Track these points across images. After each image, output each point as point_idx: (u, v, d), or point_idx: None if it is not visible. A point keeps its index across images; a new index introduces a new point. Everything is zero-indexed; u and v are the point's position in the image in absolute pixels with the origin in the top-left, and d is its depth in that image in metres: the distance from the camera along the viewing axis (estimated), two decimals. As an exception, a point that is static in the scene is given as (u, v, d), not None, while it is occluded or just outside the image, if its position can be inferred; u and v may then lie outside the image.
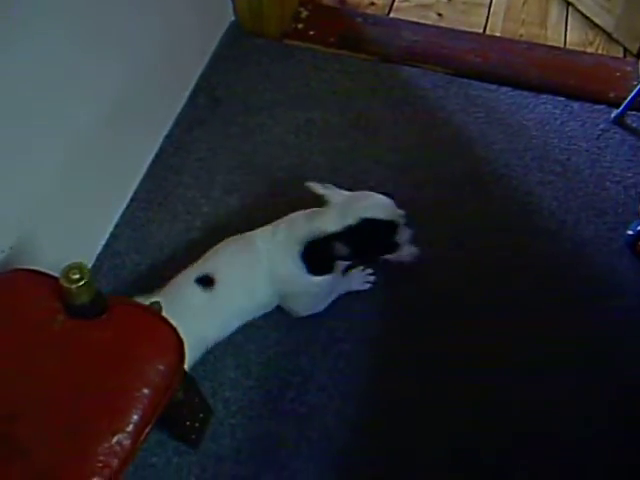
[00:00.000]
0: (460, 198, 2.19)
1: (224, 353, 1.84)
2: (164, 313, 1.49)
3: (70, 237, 1.83)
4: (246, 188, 2.19)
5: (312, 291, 1.85)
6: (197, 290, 1.73)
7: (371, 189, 1.84)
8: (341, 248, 1.70)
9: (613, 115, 2.45)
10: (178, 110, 2.33)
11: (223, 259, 1.81)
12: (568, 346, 1.91)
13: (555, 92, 2.51)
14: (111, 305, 1.37)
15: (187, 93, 2.37)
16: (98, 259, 1.99)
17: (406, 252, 1.83)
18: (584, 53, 2.66)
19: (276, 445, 1.75)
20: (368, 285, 2.00)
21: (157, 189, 2.16)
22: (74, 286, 1.28)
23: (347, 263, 1.92)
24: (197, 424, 1.72)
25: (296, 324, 1.92)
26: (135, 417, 1.29)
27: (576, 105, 2.49)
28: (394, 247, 1.80)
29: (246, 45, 2.57)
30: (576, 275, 2.05)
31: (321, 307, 1.94)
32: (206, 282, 1.74)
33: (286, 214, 1.87)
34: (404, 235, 1.80)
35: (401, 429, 1.78)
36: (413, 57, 2.57)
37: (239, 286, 1.78)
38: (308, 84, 2.48)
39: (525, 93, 2.52)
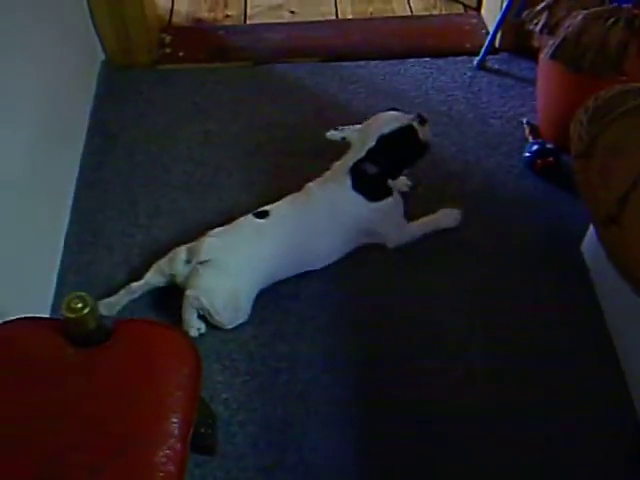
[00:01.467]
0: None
1: (207, 360, 1.83)
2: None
3: (20, 296, 1.75)
4: (169, 206, 2.19)
5: (384, 216, 2.00)
6: (252, 219, 1.93)
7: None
8: (370, 167, 1.93)
9: (475, 62, 2.62)
10: (80, 154, 2.30)
11: (282, 202, 1.99)
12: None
13: (418, 55, 2.66)
14: (114, 327, 1.35)
15: (83, 136, 2.34)
16: (53, 309, 1.93)
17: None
18: (432, 16, 2.83)
19: (287, 426, 1.76)
20: (456, 222, 2.09)
21: (85, 230, 2.12)
22: (79, 315, 1.27)
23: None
24: (209, 430, 1.71)
25: (267, 317, 1.94)
26: (177, 420, 1.28)
27: (440, 62, 2.65)
28: (421, 147, 2.01)
29: (123, 79, 2.57)
30: (495, 202, 2.17)
31: (410, 235, 2.05)
32: (262, 215, 1.93)
33: (215, 221, 2.00)
34: (424, 132, 2.00)
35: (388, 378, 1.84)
36: (281, 54, 2.65)
37: (295, 220, 1.95)
38: (193, 101, 2.51)
39: (392, 62, 2.65)
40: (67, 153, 2.24)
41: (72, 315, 1.27)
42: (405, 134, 1.96)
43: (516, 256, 2.06)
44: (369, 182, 1.96)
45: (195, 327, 1.86)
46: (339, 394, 1.81)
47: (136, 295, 1.92)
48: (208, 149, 2.35)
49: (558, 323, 1.94)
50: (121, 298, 1.91)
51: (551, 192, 2.24)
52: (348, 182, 1.96)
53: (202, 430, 1.69)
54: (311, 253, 1.98)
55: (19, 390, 1.28)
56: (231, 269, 1.86)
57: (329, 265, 2.03)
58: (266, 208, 1.95)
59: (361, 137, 1.98)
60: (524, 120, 2.41)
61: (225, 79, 2.58)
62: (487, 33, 2.63)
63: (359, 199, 1.96)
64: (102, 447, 1.22)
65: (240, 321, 1.89)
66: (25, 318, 1.43)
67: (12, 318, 1.38)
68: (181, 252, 1.90)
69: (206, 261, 1.84)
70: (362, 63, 2.64)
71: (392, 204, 2.01)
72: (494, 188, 2.23)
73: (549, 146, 2.24)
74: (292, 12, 2.85)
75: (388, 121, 1.97)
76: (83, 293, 1.28)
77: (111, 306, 1.89)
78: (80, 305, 1.26)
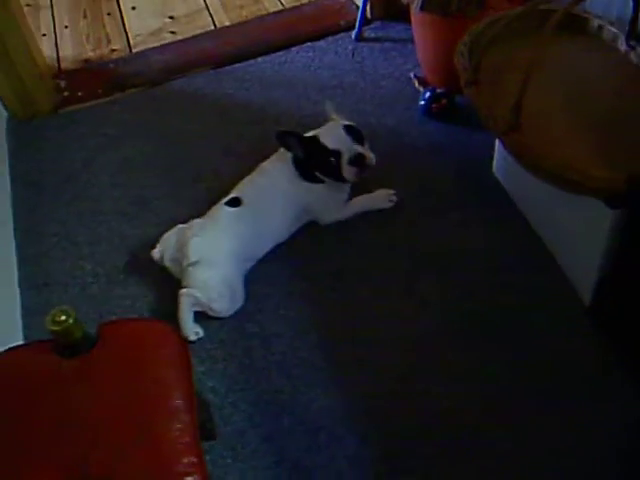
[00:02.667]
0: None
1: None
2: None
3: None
4: (108, 233, 2.25)
5: (316, 196, 2.12)
6: (226, 208, 2.05)
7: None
8: (300, 152, 2.09)
9: (353, 36, 2.77)
10: (10, 206, 2.33)
11: (244, 186, 2.13)
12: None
13: (300, 42, 2.78)
14: (99, 332, 1.41)
15: (9, 190, 2.37)
16: (26, 351, 1.96)
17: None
18: (303, 5, 2.97)
19: (276, 395, 1.84)
20: (391, 204, 2.17)
21: (36, 275, 2.16)
22: (65, 326, 1.33)
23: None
24: (205, 416, 1.78)
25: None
26: (179, 395, 1.36)
27: (321, 43, 2.79)
28: (331, 169, 2.08)
29: (30, 129, 2.61)
30: (405, 153, 2.31)
31: (341, 215, 2.16)
32: (233, 202, 2.06)
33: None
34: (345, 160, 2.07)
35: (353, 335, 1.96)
36: (174, 71, 2.74)
37: (262, 201, 2.08)
38: (103, 133, 2.57)
39: (278, 54, 2.78)
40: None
41: (58, 328, 1.33)
42: (326, 154, 2.07)
43: (439, 195, 2.19)
44: (301, 165, 2.12)
45: (193, 331, 1.94)
46: (315, 357, 1.91)
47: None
48: (129, 173, 2.41)
49: (492, 238, 2.10)
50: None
51: (452, 131, 2.40)
52: (290, 161, 2.12)
53: (200, 418, 1.77)
54: (280, 227, 2.12)
55: (27, 409, 1.33)
56: (219, 261, 1.97)
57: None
58: (234, 195, 2.08)
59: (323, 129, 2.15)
60: (411, 74, 2.56)
61: (128, 107, 2.65)
62: (357, 8, 2.77)
63: (297, 177, 2.12)
64: (119, 438, 1.28)
65: (238, 306, 2.00)
66: (15, 346, 1.48)
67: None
68: (171, 243, 2.04)
69: (194, 262, 1.95)
70: (251, 62, 2.75)
71: (323, 188, 2.13)
72: (401, 141, 2.37)
73: (439, 91, 2.40)
74: (173, 32, 2.94)
75: (327, 135, 2.11)
76: (64, 306, 1.34)
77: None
78: (64, 317, 1.32)
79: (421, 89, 2.47)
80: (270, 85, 2.65)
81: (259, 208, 2.07)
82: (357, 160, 2.05)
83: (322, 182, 2.12)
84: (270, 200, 2.09)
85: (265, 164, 2.17)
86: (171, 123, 2.55)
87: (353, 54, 2.69)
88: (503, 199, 2.18)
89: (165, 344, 1.44)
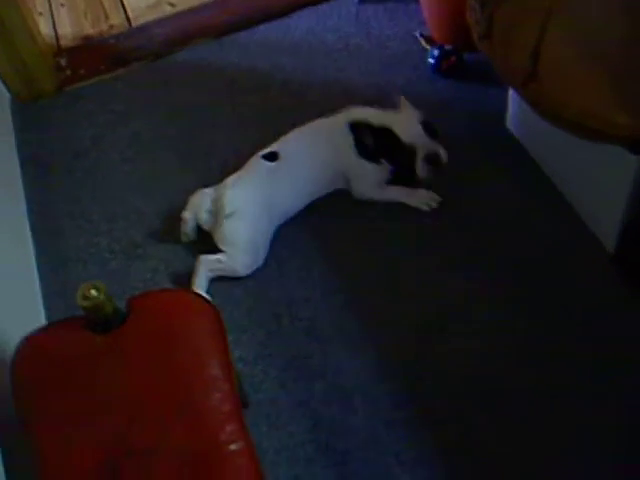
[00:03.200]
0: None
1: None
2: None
3: (15, 329, 1.73)
4: (123, 208, 2.22)
5: (360, 171, 2.06)
6: (263, 162, 2.02)
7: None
8: (368, 138, 2.01)
9: (356, -3, 2.71)
10: (22, 188, 2.30)
11: (288, 139, 2.10)
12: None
13: (301, 6, 2.73)
14: (129, 305, 1.39)
15: (19, 172, 2.34)
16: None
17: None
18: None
19: (306, 360, 1.84)
20: (427, 207, 2.06)
21: (52, 254, 2.15)
22: (96, 301, 1.31)
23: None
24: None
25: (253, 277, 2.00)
26: (216, 364, 1.36)
27: (324, 6, 2.73)
28: (403, 162, 2.01)
29: (36, 110, 2.56)
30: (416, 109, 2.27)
31: (376, 196, 2.09)
32: (271, 157, 2.03)
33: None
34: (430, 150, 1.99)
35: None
36: (176, 43, 2.69)
37: (301, 157, 2.04)
38: (109, 109, 2.53)
39: (280, 20, 2.73)
40: (11, 190, 2.24)
41: (89, 303, 1.31)
42: (391, 137, 2.00)
43: (457, 151, 2.14)
44: (364, 145, 2.05)
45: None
46: (343, 319, 1.90)
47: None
48: (139, 148, 2.38)
49: (509, 191, 2.09)
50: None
51: (463, 88, 2.37)
52: (349, 132, 2.05)
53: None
54: (315, 185, 2.08)
55: (64, 386, 1.32)
56: (252, 215, 1.97)
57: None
58: (274, 149, 2.05)
59: (390, 113, 2.07)
60: (417, 33, 2.52)
61: (132, 81, 2.60)
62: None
63: (351, 149, 2.05)
64: (159, 411, 1.27)
65: (256, 266, 1.99)
66: (46, 325, 1.47)
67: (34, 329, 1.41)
68: (205, 201, 2.03)
69: (231, 214, 1.95)
70: (253, 29, 2.70)
71: (370, 168, 2.07)
72: (412, 100, 2.31)
73: (448, 48, 2.36)
74: (171, 5, 2.88)
75: (403, 123, 2.03)
76: (94, 281, 1.32)
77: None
78: (94, 292, 1.30)
79: (428, 47, 2.43)
80: (274, 51, 2.60)
81: (297, 165, 2.04)
82: (433, 159, 1.98)
83: (378, 163, 2.07)
84: (311, 159, 2.05)
85: (319, 123, 2.12)
86: (178, 95, 2.51)
87: (357, 16, 2.64)
88: (518, 152, 2.16)
89: (197, 313, 1.43)
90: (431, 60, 2.37)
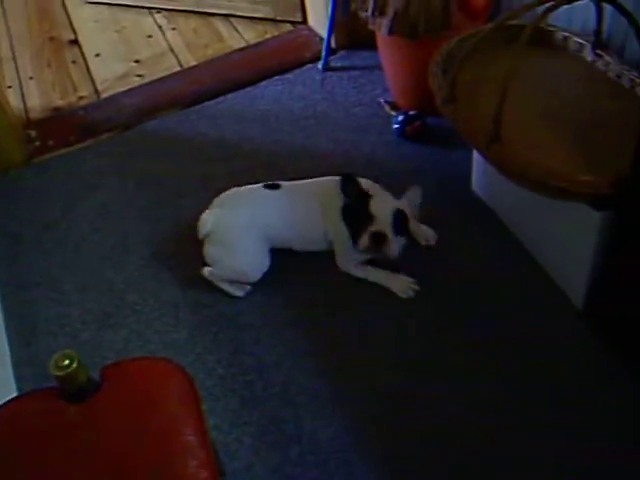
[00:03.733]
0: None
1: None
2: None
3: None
4: (94, 279, 2.21)
5: (341, 238, 2.05)
6: (262, 189, 2.11)
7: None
8: (351, 188, 2.02)
9: (320, 66, 2.78)
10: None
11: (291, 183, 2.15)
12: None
13: (268, 77, 2.78)
14: (102, 374, 1.38)
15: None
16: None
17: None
18: (266, 40, 2.97)
19: (280, 426, 1.82)
20: (405, 295, 2.03)
21: (23, 326, 2.11)
22: (69, 371, 1.29)
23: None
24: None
25: (222, 338, 2.01)
26: (191, 431, 1.33)
27: (289, 76, 2.80)
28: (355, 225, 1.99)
29: (5, 182, 2.56)
30: (384, 177, 2.29)
31: (353, 271, 2.07)
32: (273, 186, 2.11)
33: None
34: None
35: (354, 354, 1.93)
36: (145, 113, 2.72)
37: (299, 200, 2.09)
38: (79, 180, 2.54)
39: (248, 89, 2.78)
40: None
41: (62, 373, 1.28)
42: (364, 202, 1.98)
43: (424, 214, 2.17)
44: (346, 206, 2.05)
45: (236, 291, 2.08)
46: (316, 384, 1.88)
47: None
48: (109, 217, 2.38)
49: (477, 252, 2.11)
50: None
51: (428, 152, 2.42)
52: (339, 192, 2.04)
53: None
54: (304, 233, 2.11)
55: (38, 457, 1.29)
56: (230, 236, 2.05)
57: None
58: (278, 182, 2.13)
59: (379, 195, 2.05)
60: (381, 100, 2.58)
61: (101, 152, 2.62)
62: (321, 39, 2.79)
63: (338, 208, 2.06)
64: (137, 477, 1.24)
65: (264, 270, 2.08)
66: (18, 396, 1.44)
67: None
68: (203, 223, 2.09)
69: (206, 236, 2.05)
70: (220, 99, 2.74)
71: (347, 235, 2.04)
72: (379, 165, 2.38)
73: (412, 113, 2.41)
74: (140, 76, 2.93)
75: (386, 199, 2.03)
76: (67, 350, 1.30)
77: None
78: (67, 362, 1.28)
79: (393, 113, 2.48)
80: (242, 120, 2.64)
81: (295, 202, 2.09)
82: (377, 237, 1.93)
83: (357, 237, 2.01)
84: (306, 207, 2.09)
85: (318, 181, 2.15)
86: (146, 165, 2.53)
87: (322, 84, 2.70)
88: (485, 214, 2.19)
89: (171, 381, 1.41)
90: (396, 125, 2.42)
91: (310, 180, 2.17)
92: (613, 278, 1.77)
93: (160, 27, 3.18)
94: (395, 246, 1.95)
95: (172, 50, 3.05)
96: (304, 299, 2.07)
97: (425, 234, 2.14)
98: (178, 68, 2.94)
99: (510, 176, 1.76)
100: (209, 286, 2.10)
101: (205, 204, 2.22)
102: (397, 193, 2.09)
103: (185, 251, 2.17)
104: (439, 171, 2.34)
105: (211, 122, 2.66)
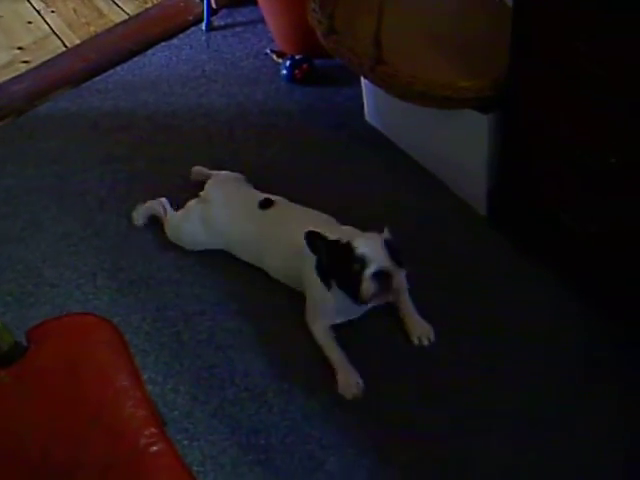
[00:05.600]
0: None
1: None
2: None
3: None
4: (6, 262, 2.15)
5: (313, 293, 1.79)
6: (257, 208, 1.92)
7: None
8: (321, 248, 1.69)
9: (204, 27, 2.74)
10: None
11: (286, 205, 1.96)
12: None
13: (154, 44, 2.73)
14: (28, 335, 1.35)
15: None
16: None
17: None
18: (147, 10, 2.91)
19: (214, 368, 1.83)
20: (351, 396, 1.71)
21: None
22: (-8, 337, 1.26)
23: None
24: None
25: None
26: (124, 376, 1.32)
27: (175, 41, 2.77)
28: (350, 278, 1.63)
29: None
30: (279, 123, 2.31)
31: (315, 332, 1.80)
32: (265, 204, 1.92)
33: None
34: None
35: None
36: (37, 97, 2.63)
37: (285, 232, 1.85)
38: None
39: (135, 59, 2.72)
40: None
41: (-14, 339, 1.26)
42: (346, 250, 1.64)
43: (320, 152, 2.20)
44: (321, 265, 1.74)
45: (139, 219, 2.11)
46: (241, 324, 1.90)
47: None
48: (15, 201, 2.31)
49: (380, 179, 2.15)
50: None
51: (319, 92, 2.43)
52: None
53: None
54: (266, 256, 1.92)
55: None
56: (193, 214, 2.01)
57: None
58: (271, 197, 1.95)
59: (342, 231, 1.76)
60: (267, 50, 2.57)
61: (-1, 141, 2.53)
62: (201, 1, 2.75)
63: (311, 260, 1.75)
64: (75, 429, 1.23)
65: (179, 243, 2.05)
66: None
67: None
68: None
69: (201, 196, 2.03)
70: (109, 72, 2.68)
71: (321, 293, 1.76)
72: (273, 112, 2.37)
73: (298, 57, 2.41)
74: (25, 62, 2.83)
75: (369, 237, 1.69)
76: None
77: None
78: (-11, 328, 1.25)
79: (280, 61, 2.47)
80: (134, 90, 2.59)
81: (277, 230, 1.88)
82: (381, 277, 1.59)
83: (329, 288, 1.73)
84: (286, 239, 1.84)
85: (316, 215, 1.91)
86: (46, 146, 2.46)
87: (208, 44, 2.67)
88: (381, 141, 2.23)
89: (97, 332, 1.39)
90: (284, 71, 2.42)
91: (308, 210, 1.93)
92: (510, 180, 1.82)
93: (39, 12, 3.07)
94: (402, 279, 1.66)
95: (54, 32, 2.95)
96: (217, 252, 2.04)
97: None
98: (63, 49, 2.85)
99: (397, 94, 1.79)
100: (124, 251, 2.08)
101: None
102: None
103: (95, 221, 2.13)
104: (332, 108, 2.35)
105: (104, 96, 2.60)
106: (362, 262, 1.59)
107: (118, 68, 2.70)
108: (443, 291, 1.86)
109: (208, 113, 2.41)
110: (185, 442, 1.70)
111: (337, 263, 1.65)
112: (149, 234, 2.11)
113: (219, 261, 2.02)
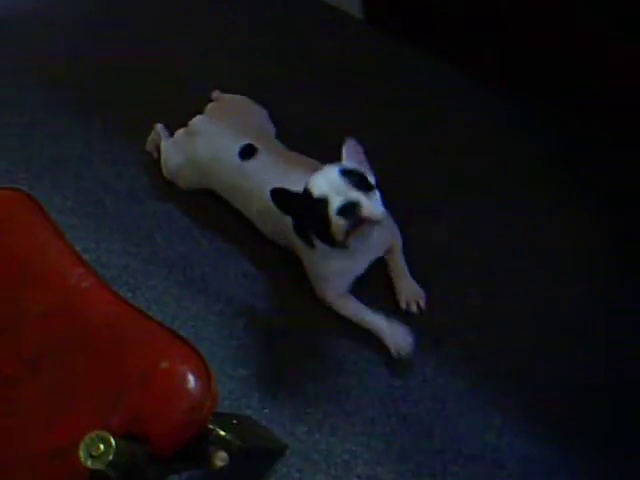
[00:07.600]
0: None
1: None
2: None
3: None
4: None
5: (308, 261, 1.63)
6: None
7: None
8: (287, 202, 1.48)
9: None
10: None
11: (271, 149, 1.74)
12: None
13: None
14: None
15: None
16: None
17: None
18: None
19: (140, 219, 1.87)
20: (396, 354, 1.56)
21: None
22: None
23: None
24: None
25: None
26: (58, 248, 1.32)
27: None
28: (319, 224, 1.42)
29: None
30: None
31: (334, 304, 1.63)
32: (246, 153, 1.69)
33: None
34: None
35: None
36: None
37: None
38: None
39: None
40: None
41: None
42: (306, 196, 1.42)
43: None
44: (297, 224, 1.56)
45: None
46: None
47: None
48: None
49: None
50: None
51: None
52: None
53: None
54: (250, 204, 1.73)
55: None
56: (178, 144, 1.86)
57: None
58: (257, 146, 1.70)
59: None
60: None
61: None
62: None
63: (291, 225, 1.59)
64: (6, 287, 1.26)
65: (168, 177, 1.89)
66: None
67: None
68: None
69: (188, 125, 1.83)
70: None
71: (310, 255, 1.59)
72: None
73: None
74: None
75: (323, 172, 1.43)
76: None
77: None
78: None
79: None
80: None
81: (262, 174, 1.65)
82: (349, 208, 1.35)
83: (311, 246, 1.54)
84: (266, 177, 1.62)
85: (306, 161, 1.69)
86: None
87: None
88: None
89: (14, 202, 1.40)
90: None
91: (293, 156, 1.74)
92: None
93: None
94: (373, 205, 1.39)
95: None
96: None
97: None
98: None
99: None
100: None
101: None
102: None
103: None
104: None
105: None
106: (324, 202, 1.37)
107: None
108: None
109: None
110: (129, 295, 1.73)
111: (306, 214, 1.45)
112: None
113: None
